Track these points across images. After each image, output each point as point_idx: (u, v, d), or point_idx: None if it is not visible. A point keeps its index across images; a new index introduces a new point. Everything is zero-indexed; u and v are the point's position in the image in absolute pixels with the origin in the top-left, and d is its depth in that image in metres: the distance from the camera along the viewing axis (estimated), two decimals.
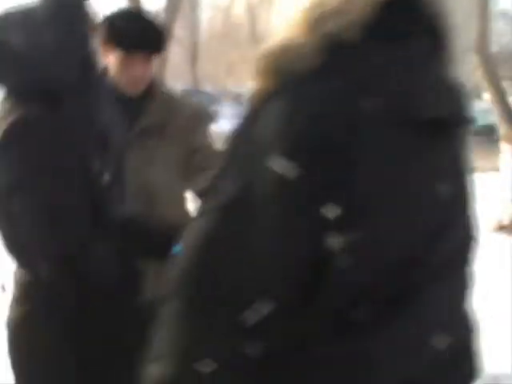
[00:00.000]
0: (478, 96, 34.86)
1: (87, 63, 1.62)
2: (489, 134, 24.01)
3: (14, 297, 1.74)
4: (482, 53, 7.78)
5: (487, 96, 38.14)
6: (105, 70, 2.18)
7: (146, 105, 2.24)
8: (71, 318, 1.62)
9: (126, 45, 2.13)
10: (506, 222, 7.13)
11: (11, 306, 1.74)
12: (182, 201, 2.38)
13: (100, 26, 2.09)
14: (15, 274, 1.74)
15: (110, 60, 2.18)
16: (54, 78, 1.56)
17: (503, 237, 6.94)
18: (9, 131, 1.50)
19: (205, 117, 2.46)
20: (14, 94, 1.60)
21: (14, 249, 1.65)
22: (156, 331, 0.94)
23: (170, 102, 2.31)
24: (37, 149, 1.50)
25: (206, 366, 0.88)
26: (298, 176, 0.86)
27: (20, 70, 1.58)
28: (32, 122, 1.52)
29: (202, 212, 0.94)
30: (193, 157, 2.29)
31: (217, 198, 0.90)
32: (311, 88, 0.88)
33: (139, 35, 2.14)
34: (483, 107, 26.67)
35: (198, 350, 0.89)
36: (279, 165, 0.86)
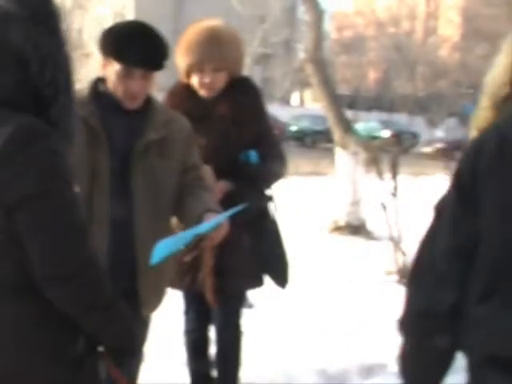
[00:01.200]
0: (288, 102, 36.59)
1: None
2: (301, 139, 25.32)
3: None
4: (316, 61, 8.11)
5: (296, 101, 39.83)
6: (102, 80, 2.16)
7: (146, 119, 2.19)
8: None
9: (125, 60, 2.05)
10: (341, 223, 7.52)
11: None
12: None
13: (102, 37, 2.08)
14: None
15: (108, 71, 2.12)
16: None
17: (338, 237, 7.33)
18: (17, 139, 1.32)
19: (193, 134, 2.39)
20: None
21: None
22: None
23: (167, 117, 2.25)
24: (52, 158, 1.34)
25: None
26: None
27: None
28: (40, 130, 1.35)
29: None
30: (186, 175, 2.27)
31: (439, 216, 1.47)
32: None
33: (139, 52, 2.05)
34: (297, 113, 28.07)
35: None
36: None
